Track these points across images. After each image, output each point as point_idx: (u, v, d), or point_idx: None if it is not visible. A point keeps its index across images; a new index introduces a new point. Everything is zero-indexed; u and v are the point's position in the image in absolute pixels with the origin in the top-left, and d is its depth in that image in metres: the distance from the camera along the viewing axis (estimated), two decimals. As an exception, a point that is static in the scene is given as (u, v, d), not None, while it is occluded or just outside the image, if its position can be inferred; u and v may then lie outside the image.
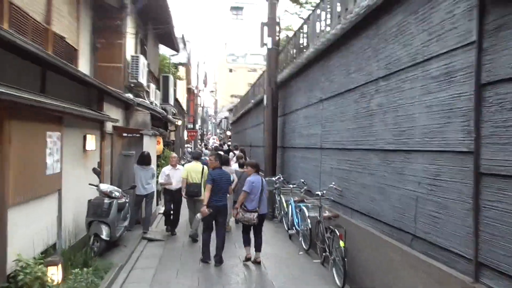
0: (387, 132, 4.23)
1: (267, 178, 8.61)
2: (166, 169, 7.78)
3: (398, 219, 3.95)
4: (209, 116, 56.22)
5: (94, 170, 6.07)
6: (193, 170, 7.11)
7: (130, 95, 9.39)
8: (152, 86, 11.30)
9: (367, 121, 4.75)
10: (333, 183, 5.66)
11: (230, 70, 72.35)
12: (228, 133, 31.68)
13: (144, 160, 7.54)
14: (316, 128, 6.74)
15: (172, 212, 7.68)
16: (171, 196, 7.61)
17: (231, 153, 13.93)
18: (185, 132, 23.88)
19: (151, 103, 10.66)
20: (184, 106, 22.73)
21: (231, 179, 6.35)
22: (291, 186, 7.48)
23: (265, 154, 9.35)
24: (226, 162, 7.81)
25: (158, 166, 11.20)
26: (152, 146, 8.89)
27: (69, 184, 5.35)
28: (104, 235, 5.58)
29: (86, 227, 5.74)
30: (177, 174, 7.55)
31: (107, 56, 8.95)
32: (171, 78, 13.87)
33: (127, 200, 6.72)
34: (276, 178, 8.55)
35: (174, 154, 8.06)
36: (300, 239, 6.56)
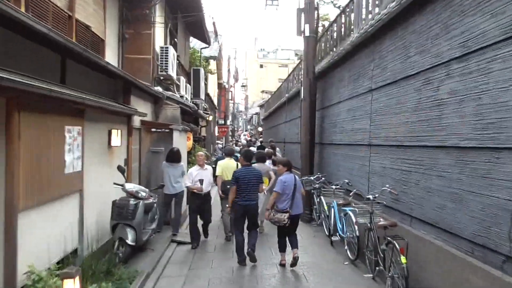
0: (464, 125, 3.42)
1: (305, 178, 7.93)
2: (194, 170, 6.62)
3: (482, 234, 3.15)
4: (239, 112, 55.85)
5: (119, 168, 5.60)
6: (227, 167, 6.77)
7: (159, 88, 8.95)
8: (182, 80, 10.84)
9: (433, 113, 3.95)
10: (387, 185, 4.88)
11: (261, 66, 71.84)
12: (260, 129, 31.08)
13: (174, 157, 7.05)
14: (363, 122, 5.96)
15: (201, 218, 6.72)
16: (199, 205, 6.46)
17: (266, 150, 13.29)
18: (216, 128, 23.51)
19: (181, 97, 10.19)
20: (215, 101, 22.33)
21: (262, 177, 5.86)
22: (333, 187, 6.72)
23: (302, 152, 8.63)
24: (261, 159, 7.21)
25: (188, 163, 10.77)
26: (182, 142, 8.40)
27: (92, 183, 4.89)
28: (129, 240, 5.10)
29: (111, 231, 5.28)
30: (207, 175, 6.59)
31: (135, 47, 8.54)
32: (202, 71, 13.39)
33: (154, 201, 6.23)
34: (315, 177, 7.82)
35: (201, 152, 7.17)
36: (345, 248, 5.82)
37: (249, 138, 29.09)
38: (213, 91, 21.35)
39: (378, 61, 5.48)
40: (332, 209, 6.46)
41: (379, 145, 5.38)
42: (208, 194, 6.71)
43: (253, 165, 6.27)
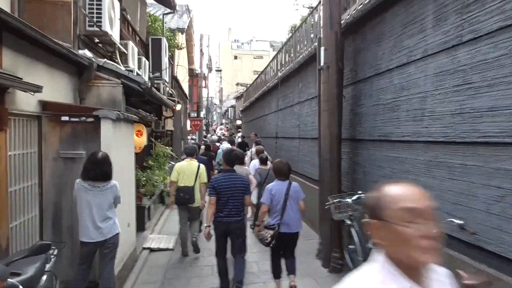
0: None
1: (336, 200, 4.67)
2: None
3: None
4: (214, 104, 52.12)
5: None
6: (185, 170, 5.76)
7: (86, 53, 5.46)
8: (132, 47, 7.29)
9: None
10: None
11: (235, 57, 69.21)
12: (238, 122, 27.63)
13: (97, 169, 3.64)
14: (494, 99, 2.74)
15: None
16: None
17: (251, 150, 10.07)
18: (188, 122, 19.91)
19: (130, 72, 6.68)
20: (186, 90, 18.71)
21: (250, 185, 4.62)
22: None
23: (322, 154, 5.33)
24: (238, 160, 5.47)
25: (143, 169, 7.29)
26: (122, 140, 4.93)
27: None
28: None
29: None
30: None
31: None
32: (165, 42, 9.85)
33: (47, 269, 2.82)
34: (354, 199, 4.57)
35: None
36: None
37: (226, 134, 25.65)
38: (183, 76, 17.72)
39: None
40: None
41: None
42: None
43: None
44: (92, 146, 4.29)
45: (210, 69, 32.99)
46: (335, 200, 4.59)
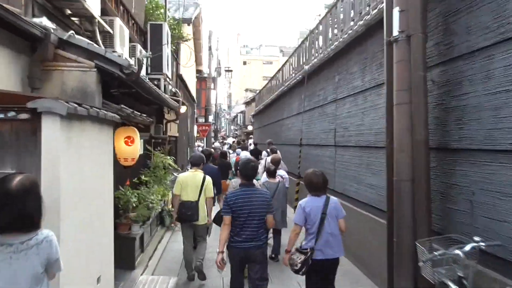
0: None
1: (439, 252, 2.80)
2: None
3: None
4: (222, 110, 50.49)
5: None
6: (189, 182, 5.03)
7: (44, 21, 3.72)
8: (121, 26, 5.51)
9: None
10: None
11: (244, 63, 68.42)
12: (249, 128, 25.81)
13: (7, 212, 1.85)
14: None
15: None
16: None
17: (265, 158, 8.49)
18: (195, 127, 18.19)
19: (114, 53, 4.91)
20: (193, 92, 17.00)
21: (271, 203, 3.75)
22: None
23: (397, 169, 3.43)
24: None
25: (137, 184, 5.62)
26: (87, 149, 3.13)
27: None
28: None
29: None
30: None
31: None
32: (167, 30, 8.13)
33: None
34: (468, 249, 2.70)
35: None
36: None
37: (234, 140, 23.94)
38: (189, 75, 16.01)
39: None
40: None
41: None
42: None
43: (233, 180, 5.65)
44: (28, 160, 2.53)
45: (219, 73, 31.38)
46: (437, 253, 2.72)
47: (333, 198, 3.68)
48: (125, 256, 5.28)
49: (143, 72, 6.88)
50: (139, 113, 4.58)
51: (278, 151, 9.55)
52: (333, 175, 6.55)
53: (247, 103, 35.51)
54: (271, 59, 66.80)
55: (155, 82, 7.73)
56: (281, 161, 8.20)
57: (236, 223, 3.58)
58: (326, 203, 3.56)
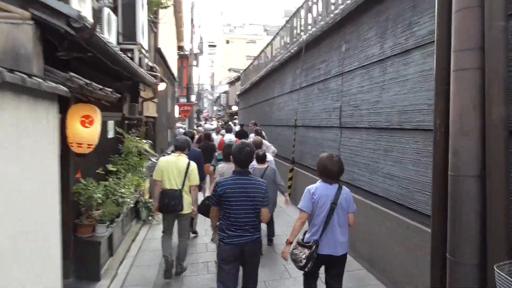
0: None
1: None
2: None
3: None
4: (205, 90, 48.88)
5: None
6: (172, 168, 4.48)
7: None
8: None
9: None
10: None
11: (227, 42, 66.77)
12: (234, 108, 24.62)
13: None
14: None
15: None
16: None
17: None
18: (176, 108, 16.94)
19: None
20: (174, 71, 15.67)
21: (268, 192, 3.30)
22: None
23: (454, 161, 2.52)
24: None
25: (107, 176, 4.51)
26: (17, 139, 2.07)
27: None
28: None
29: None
30: None
31: None
32: (140, -10, 6.87)
33: None
34: None
35: None
36: None
37: (219, 122, 22.80)
38: (171, 56, 14.68)
39: None
40: None
41: None
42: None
43: (219, 165, 5.10)
44: None
45: (201, 51, 29.82)
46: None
47: (345, 189, 3.30)
48: (88, 264, 4.29)
49: (112, 40, 5.72)
50: (99, 87, 3.46)
51: (263, 132, 8.66)
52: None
53: (231, 83, 34.23)
54: (255, 38, 65.48)
55: (129, 55, 6.54)
56: (266, 142, 7.28)
57: (227, 216, 3.16)
58: (338, 193, 3.20)
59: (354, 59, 5.18)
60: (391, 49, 4.18)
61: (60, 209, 2.93)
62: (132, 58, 6.56)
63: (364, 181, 4.80)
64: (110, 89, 3.92)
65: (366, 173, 4.76)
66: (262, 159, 5.37)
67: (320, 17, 6.88)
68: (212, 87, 53.30)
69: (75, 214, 4.34)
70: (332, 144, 5.93)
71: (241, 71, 21.82)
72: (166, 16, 10.94)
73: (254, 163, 5.48)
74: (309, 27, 7.35)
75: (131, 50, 6.79)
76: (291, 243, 3.28)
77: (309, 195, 3.21)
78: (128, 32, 6.86)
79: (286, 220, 6.74)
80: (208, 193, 6.16)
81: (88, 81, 3.15)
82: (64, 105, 3.97)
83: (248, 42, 64.93)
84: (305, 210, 3.20)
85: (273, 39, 11.47)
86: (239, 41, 65.58)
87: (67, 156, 4.01)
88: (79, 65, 4.47)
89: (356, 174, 5.05)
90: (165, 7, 8.81)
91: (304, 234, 3.31)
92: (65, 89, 2.65)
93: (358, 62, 5.03)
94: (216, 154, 7.60)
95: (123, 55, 4.76)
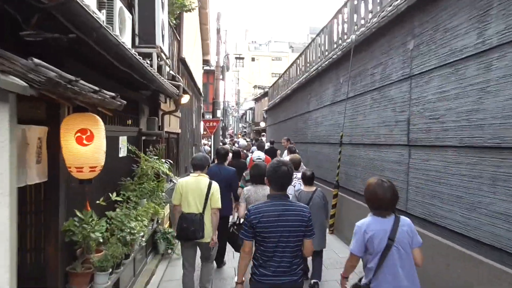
0: None
1: None
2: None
3: None
4: (230, 108, 48.38)
5: None
6: (191, 190, 4.09)
7: None
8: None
9: None
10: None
11: (253, 59, 67.20)
12: (262, 124, 23.57)
13: None
14: None
15: None
16: None
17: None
18: (201, 124, 16.05)
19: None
20: (199, 85, 14.84)
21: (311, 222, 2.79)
22: None
23: None
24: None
25: (116, 206, 3.36)
26: None
27: None
28: None
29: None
30: None
31: None
32: (161, -14, 5.98)
33: None
34: None
35: None
36: None
37: (246, 139, 21.83)
38: (196, 69, 13.86)
39: None
40: None
41: None
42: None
43: (245, 188, 4.40)
44: None
45: (227, 68, 29.21)
46: None
47: (404, 219, 2.69)
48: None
49: (126, 41, 4.78)
50: (93, 88, 2.41)
51: (297, 150, 7.62)
52: (404, 189, 4.36)
53: (257, 99, 33.53)
54: (280, 55, 65.51)
55: (147, 61, 5.64)
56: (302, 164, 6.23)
57: (261, 250, 2.73)
58: (395, 226, 2.61)
59: (429, 57, 3.98)
60: (500, 36, 2.98)
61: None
62: (150, 65, 5.66)
63: (453, 219, 3.53)
64: (113, 94, 2.90)
65: (456, 209, 3.48)
66: (310, 180, 4.79)
67: (370, 14, 5.76)
68: (237, 104, 52.76)
69: (68, 259, 3.29)
70: (395, 166, 4.68)
71: (267, 88, 20.90)
72: (191, 26, 10.15)
73: (298, 185, 5.01)
74: (355, 27, 6.22)
75: (149, 55, 5.91)
76: (345, 277, 2.85)
77: (361, 234, 2.65)
78: (145, 32, 5.99)
79: (334, 259, 5.49)
80: (233, 218, 5.36)
81: (73, 77, 2.12)
82: (53, 113, 3.01)
83: (273, 60, 64.95)
84: (356, 253, 2.69)
85: (307, 47, 10.38)
86: (265, 58, 65.66)
87: (55, 183, 3.00)
88: (91, 71, 3.56)
89: (438, 208, 3.77)
90: (189, 10, 7.92)
91: (360, 279, 2.75)
92: (22, 83, 1.62)
93: (437, 59, 3.83)
94: (244, 174, 6.61)
95: (135, 53, 3.77)
